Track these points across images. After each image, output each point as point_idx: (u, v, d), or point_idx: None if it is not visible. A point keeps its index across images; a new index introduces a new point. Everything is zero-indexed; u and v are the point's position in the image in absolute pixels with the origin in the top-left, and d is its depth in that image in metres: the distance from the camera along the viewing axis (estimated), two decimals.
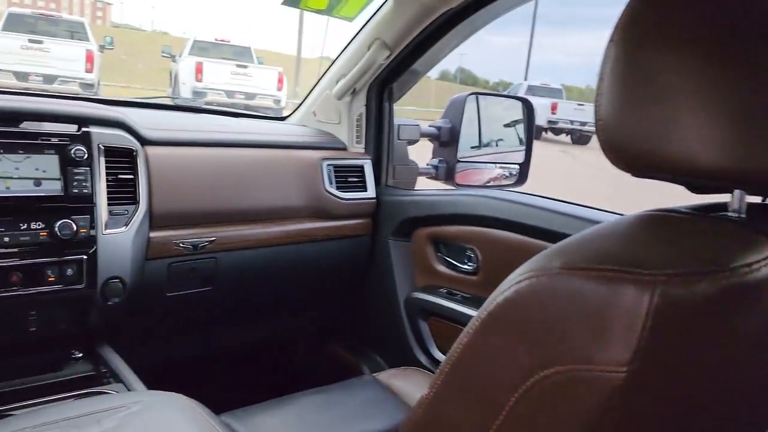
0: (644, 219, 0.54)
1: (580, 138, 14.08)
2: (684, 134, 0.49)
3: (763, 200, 0.60)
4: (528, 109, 1.64)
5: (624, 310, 0.44)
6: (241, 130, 1.45)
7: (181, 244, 1.23)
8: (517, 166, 1.66)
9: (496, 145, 1.69)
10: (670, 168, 0.51)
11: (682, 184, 0.57)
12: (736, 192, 0.54)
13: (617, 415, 0.46)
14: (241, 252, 1.32)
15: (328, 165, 1.47)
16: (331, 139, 1.55)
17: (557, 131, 14.53)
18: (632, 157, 0.53)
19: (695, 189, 0.59)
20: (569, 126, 13.96)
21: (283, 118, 1.75)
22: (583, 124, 13.73)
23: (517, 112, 1.64)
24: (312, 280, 1.52)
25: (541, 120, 13.79)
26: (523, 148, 1.66)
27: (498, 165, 1.66)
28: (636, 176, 0.56)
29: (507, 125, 1.73)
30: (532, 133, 1.65)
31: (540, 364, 0.48)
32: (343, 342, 1.71)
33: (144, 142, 1.21)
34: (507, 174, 1.71)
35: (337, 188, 1.47)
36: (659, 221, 0.54)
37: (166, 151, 1.24)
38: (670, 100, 0.49)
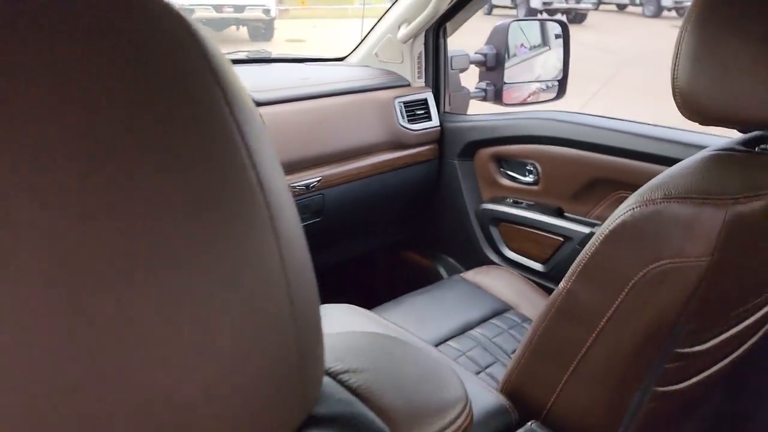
0: (712, 158, 0.79)
1: (575, 17, 13.88)
2: (743, 99, 0.73)
3: None
4: (564, 29, 1.83)
5: (706, 222, 0.70)
6: (321, 80, 1.66)
7: (296, 186, 1.48)
8: (556, 82, 1.88)
9: (537, 65, 1.90)
10: (732, 121, 0.76)
11: (737, 129, 0.83)
12: None
13: (701, 293, 0.73)
14: (342, 186, 1.58)
15: (399, 102, 1.69)
16: (396, 77, 1.75)
17: (552, 12, 14.27)
18: (703, 114, 0.77)
19: (743, 130, 0.85)
20: (564, 5, 13.73)
21: (341, 59, 1.94)
22: (578, 1, 13.51)
23: (555, 35, 1.84)
24: (394, 202, 1.79)
25: (535, 2, 13.57)
26: (561, 65, 1.87)
27: (541, 82, 1.88)
28: (703, 124, 0.81)
29: (544, 46, 1.92)
30: (569, 51, 1.85)
31: (649, 260, 0.75)
32: (417, 249, 2.00)
33: (258, 104, 1.43)
34: (544, 88, 1.93)
35: (408, 121, 1.70)
36: (723, 159, 0.79)
37: (271, 110, 1.47)
38: (734, 74, 0.73)
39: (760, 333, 1.01)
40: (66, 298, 0.21)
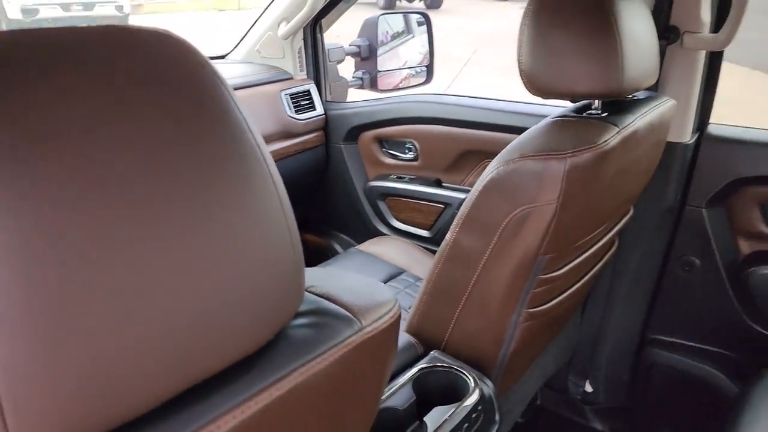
0: (553, 123, 1.01)
1: (432, 3, 14.46)
2: (570, 76, 0.95)
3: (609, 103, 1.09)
4: (427, 19, 2.04)
5: (552, 173, 0.91)
6: None
7: None
8: (425, 68, 2.09)
9: (406, 53, 2.10)
10: (565, 94, 0.98)
11: (569, 100, 1.05)
12: (597, 102, 1.02)
13: (554, 229, 0.94)
14: None
15: (285, 94, 1.82)
16: (280, 71, 1.88)
17: None
18: (543, 90, 0.99)
19: (573, 101, 1.08)
20: None
21: (223, 57, 2.03)
22: None
23: (418, 23, 2.04)
24: (287, 188, 1.91)
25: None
26: (427, 52, 2.08)
27: (411, 69, 2.08)
28: (544, 98, 1.02)
29: (408, 34, 2.13)
30: (433, 40, 2.06)
31: (512, 207, 0.95)
32: (312, 230, 2.14)
33: None
34: (413, 73, 2.14)
35: (295, 111, 1.84)
36: (560, 123, 1.01)
37: None
38: (562, 58, 0.94)
39: (602, 261, 1.27)
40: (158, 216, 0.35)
